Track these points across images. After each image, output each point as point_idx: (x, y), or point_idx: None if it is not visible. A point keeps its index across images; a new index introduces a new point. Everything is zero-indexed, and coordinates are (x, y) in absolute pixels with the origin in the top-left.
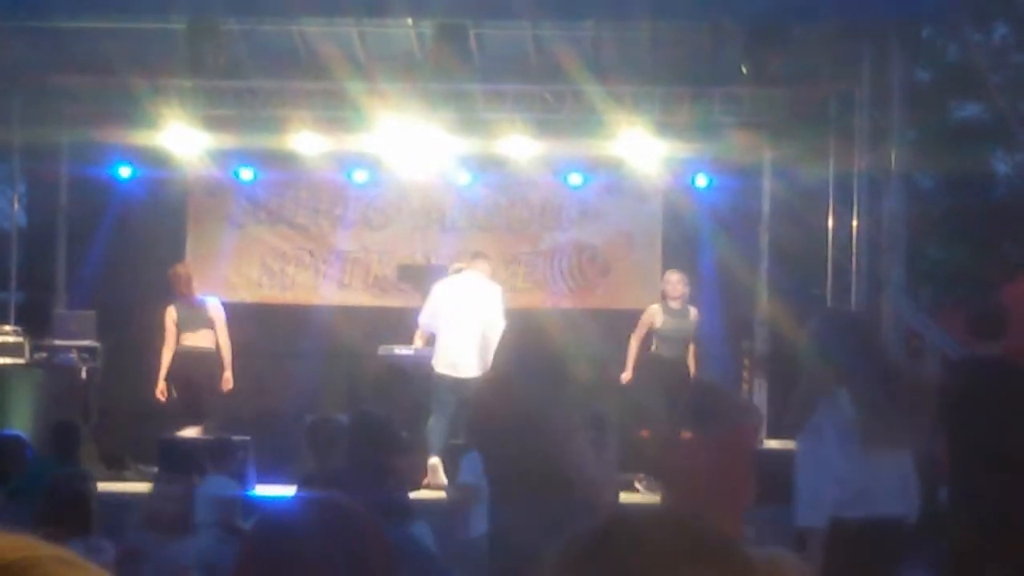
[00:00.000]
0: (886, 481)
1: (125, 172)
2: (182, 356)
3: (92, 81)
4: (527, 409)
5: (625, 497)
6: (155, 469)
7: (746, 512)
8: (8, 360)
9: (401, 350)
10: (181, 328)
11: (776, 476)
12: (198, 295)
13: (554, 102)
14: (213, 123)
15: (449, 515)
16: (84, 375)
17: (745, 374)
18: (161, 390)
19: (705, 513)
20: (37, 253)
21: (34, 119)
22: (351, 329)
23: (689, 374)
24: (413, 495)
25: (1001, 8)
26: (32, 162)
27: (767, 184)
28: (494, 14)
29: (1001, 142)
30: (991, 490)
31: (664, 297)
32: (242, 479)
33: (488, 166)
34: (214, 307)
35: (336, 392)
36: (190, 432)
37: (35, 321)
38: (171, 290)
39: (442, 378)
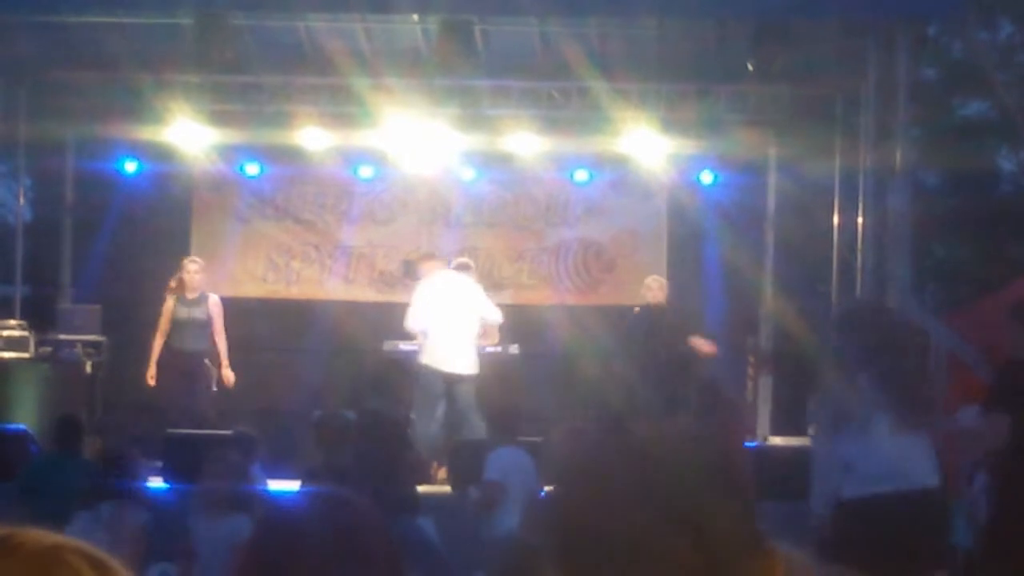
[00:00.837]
0: (916, 457)
1: (131, 167)
2: (175, 354)
3: (98, 76)
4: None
5: None
6: (159, 464)
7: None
8: (13, 354)
9: (405, 345)
10: (177, 324)
11: (782, 472)
12: (200, 292)
13: (560, 99)
14: (219, 118)
15: (475, 513)
16: (89, 369)
17: (750, 370)
18: (151, 375)
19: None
20: (42, 248)
21: (40, 114)
22: (356, 324)
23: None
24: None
25: (1007, 6)
26: (37, 157)
27: (772, 181)
28: (500, 10)
29: (1006, 139)
30: None
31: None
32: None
33: (493, 162)
34: (214, 304)
35: (341, 387)
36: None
37: (40, 315)
38: (175, 283)
39: (432, 370)
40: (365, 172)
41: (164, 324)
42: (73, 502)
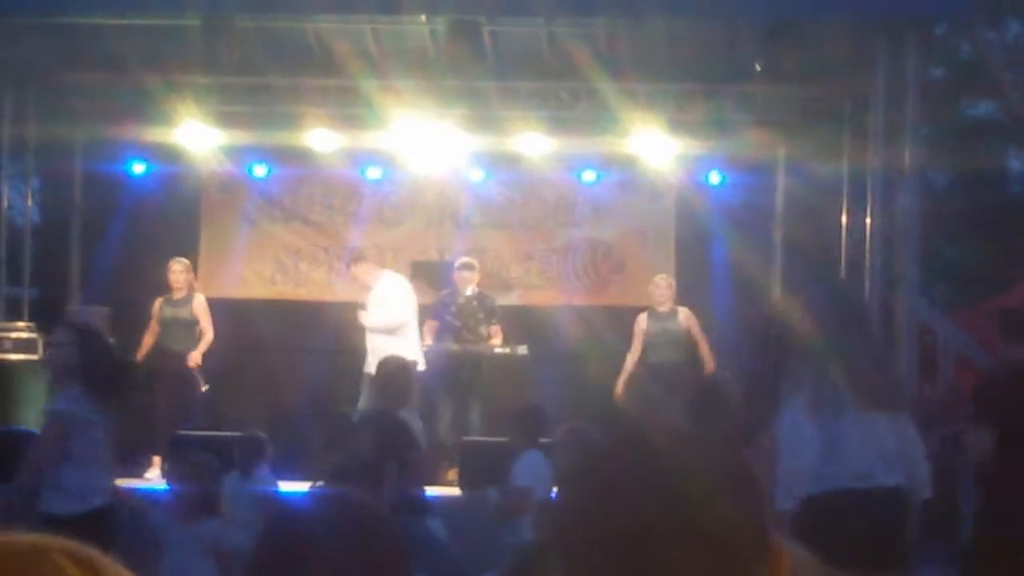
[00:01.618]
0: (878, 450)
1: (139, 168)
2: (164, 355)
3: (106, 78)
4: None
5: None
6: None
7: None
8: (21, 356)
9: None
10: (164, 325)
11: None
12: (186, 292)
13: (568, 99)
14: (227, 119)
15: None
16: None
17: None
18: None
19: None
20: (51, 249)
21: (48, 116)
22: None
23: (683, 375)
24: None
25: (1015, 6)
26: (46, 159)
27: (781, 181)
28: (508, 11)
29: (1015, 139)
30: None
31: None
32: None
33: (502, 163)
34: (198, 304)
35: (349, 388)
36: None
37: (49, 317)
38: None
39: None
40: (373, 173)
41: (153, 325)
42: None
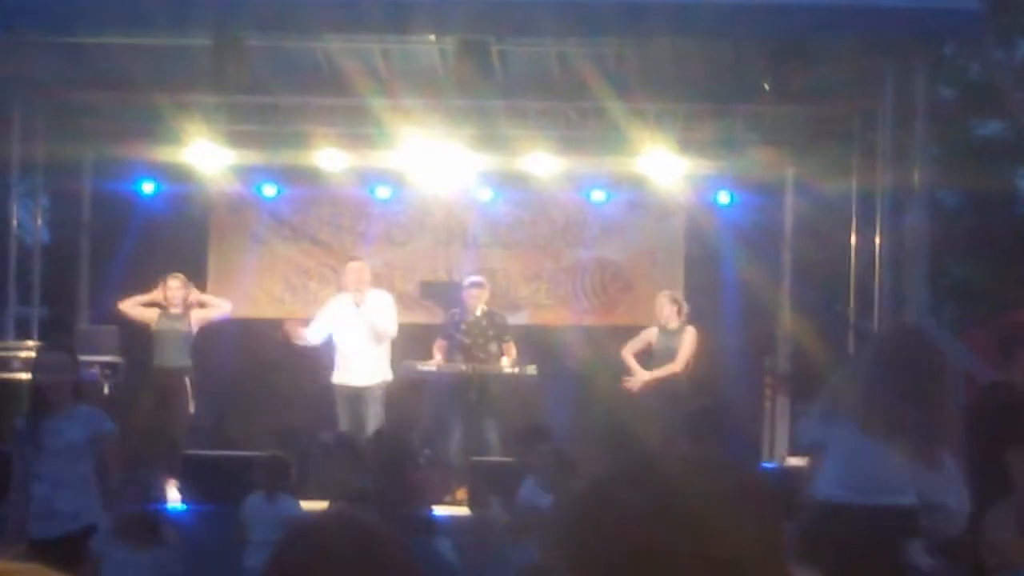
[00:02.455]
0: (886, 470)
1: (148, 188)
2: (155, 372)
3: (115, 97)
4: None
5: None
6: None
7: None
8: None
9: (423, 366)
10: (159, 336)
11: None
12: (182, 308)
13: (577, 119)
14: (236, 139)
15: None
16: (107, 391)
17: (767, 391)
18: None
19: None
20: (60, 268)
21: (58, 135)
22: None
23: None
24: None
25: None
26: (55, 178)
27: (790, 201)
28: (517, 31)
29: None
30: None
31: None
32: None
33: (510, 182)
34: (196, 317)
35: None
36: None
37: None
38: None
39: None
40: (382, 193)
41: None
42: None
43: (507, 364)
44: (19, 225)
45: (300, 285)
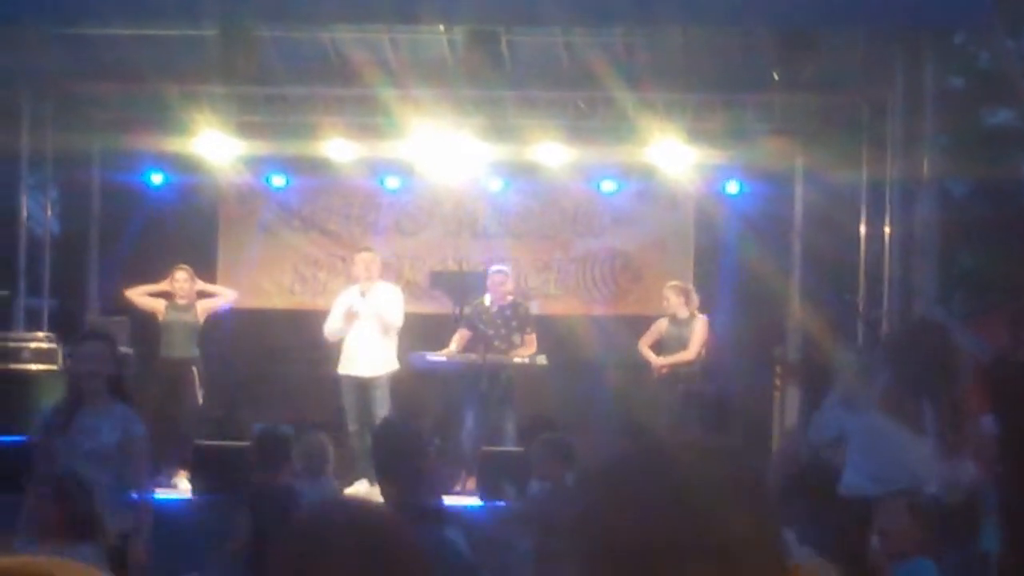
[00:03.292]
0: (912, 462)
1: (157, 179)
2: (163, 362)
3: (124, 88)
4: None
5: None
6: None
7: None
8: (41, 366)
9: (433, 356)
10: (166, 327)
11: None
12: (189, 300)
13: (586, 109)
14: (245, 130)
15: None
16: None
17: (776, 381)
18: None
19: None
20: (69, 260)
21: (66, 126)
22: None
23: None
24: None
25: None
26: (64, 169)
27: (799, 191)
28: (526, 21)
29: None
30: None
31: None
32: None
33: (520, 172)
34: (202, 309)
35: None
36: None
37: (68, 327)
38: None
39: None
40: (391, 183)
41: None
42: None
43: (529, 354)
44: (29, 217)
45: (310, 276)
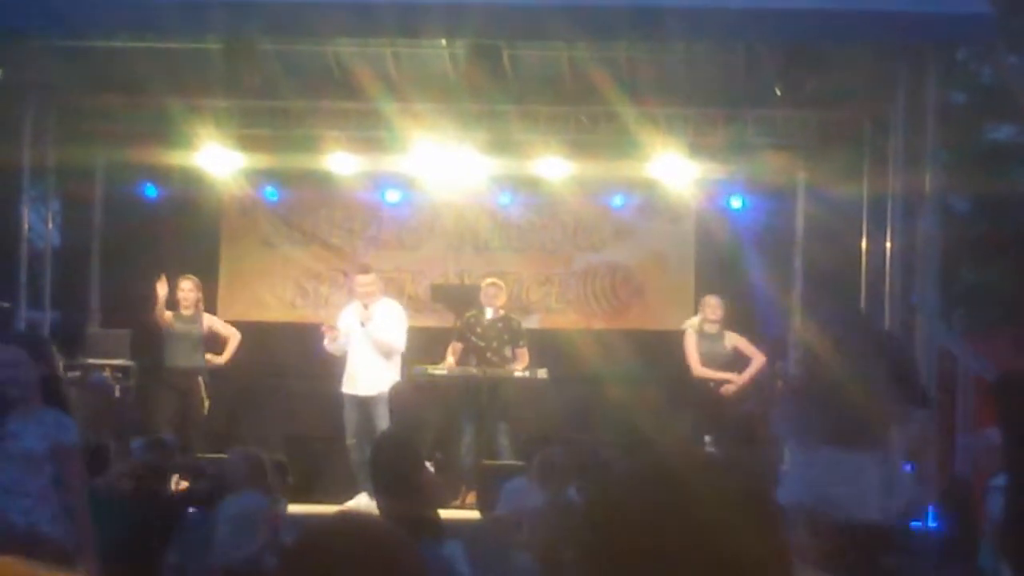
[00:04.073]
0: (853, 484)
1: (159, 192)
2: (169, 372)
3: (127, 101)
4: None
5: None
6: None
7: None
8: None
9: (434, 370)
10: (172, 338)
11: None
12: (194, 311)
13: (588, 123)
14: (247, 143)
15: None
16: (118, 394)
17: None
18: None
19: None
20: (71, 272)
21: (68, 138)
22: None
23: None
24: (447, 514)
25: None
26: (66, 181)
27: (801, 205)
28: (528, 35)
29: None
30: None
31: (703, 320)
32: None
33: (522, 186)
34: (209, 319)
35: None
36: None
37: (69, 340)
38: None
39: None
40: (393, 197)
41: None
42: None
43: (518, 368)
44: (30, 229)
45: (311, 289)
